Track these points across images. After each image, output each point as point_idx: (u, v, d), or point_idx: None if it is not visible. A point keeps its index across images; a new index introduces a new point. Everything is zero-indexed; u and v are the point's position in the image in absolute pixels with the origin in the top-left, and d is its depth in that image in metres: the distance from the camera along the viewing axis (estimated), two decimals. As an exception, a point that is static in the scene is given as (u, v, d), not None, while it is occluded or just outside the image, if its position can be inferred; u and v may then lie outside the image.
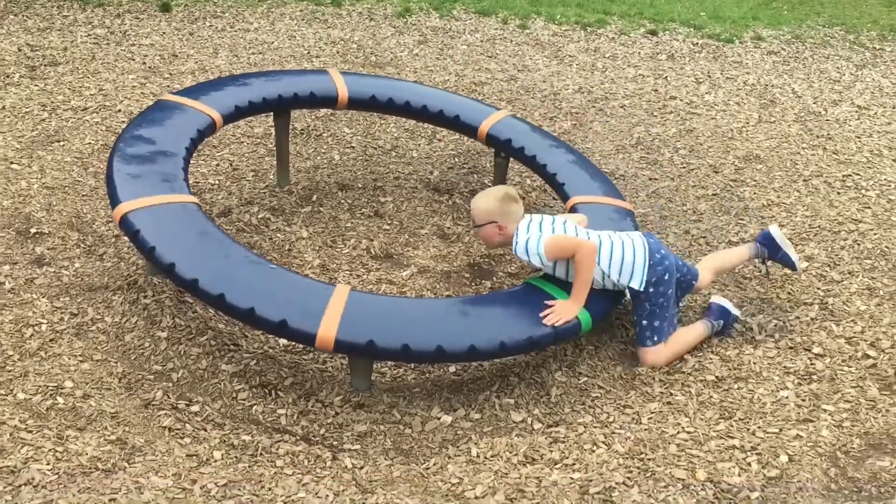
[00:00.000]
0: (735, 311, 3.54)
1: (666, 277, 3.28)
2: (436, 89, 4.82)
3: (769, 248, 3.74)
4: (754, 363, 3.30)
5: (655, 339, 3.29)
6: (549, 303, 3.16)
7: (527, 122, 4.66)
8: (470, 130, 4.47)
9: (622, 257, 3.25)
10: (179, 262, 2.97)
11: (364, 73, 5.51)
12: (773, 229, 3.73)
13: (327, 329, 2.83)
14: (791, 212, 4.53)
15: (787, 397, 3.07)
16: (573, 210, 3.87)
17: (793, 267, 3.75)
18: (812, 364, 3.27)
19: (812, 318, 3.57)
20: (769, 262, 3.82)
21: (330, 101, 4.31)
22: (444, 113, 4.44)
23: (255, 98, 4.06)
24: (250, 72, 5.29)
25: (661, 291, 3.28)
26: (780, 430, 2.89)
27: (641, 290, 3.26)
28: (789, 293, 3.78)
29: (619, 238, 3.33)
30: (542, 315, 3.11)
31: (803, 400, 3.06)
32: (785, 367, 3.27)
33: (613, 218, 3.83)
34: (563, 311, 3.13)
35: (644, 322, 3.30)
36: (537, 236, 3.20)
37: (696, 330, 3.41)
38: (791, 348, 3.39)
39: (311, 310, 2.89)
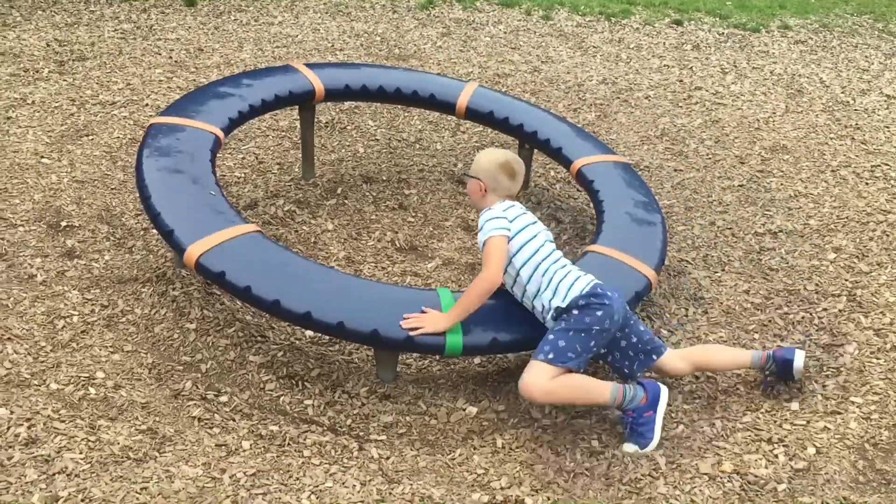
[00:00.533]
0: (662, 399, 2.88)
1: (599, 314, 2.82)
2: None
3: (780, 372, 3.07)
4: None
5: (551, 356, 2.76)
6: (424, 309, 2.93)
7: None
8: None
9: (561, 279, 2.94)
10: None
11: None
12: (799, 359, 3.04)
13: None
14: (819, 202, 4.49)
15: (814, 389, 3.06)
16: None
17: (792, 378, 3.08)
18: (840, 356, 3.24)
19: (840, 310, 3.54)
20: (770, 378, 3.12)
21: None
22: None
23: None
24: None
25: (587, 321, 2.81)
26: (808, 422, 2.88)
27: (564, 305, 2.87)
28: (817, 285, 3.75)
29: (567, 268, 3.01)
30: (404, 317, 2.90)
31: (831, 392, 3.04)
32: (815, 358, 3.24)
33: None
34: (429, 322, 2.88)
35: (551, 336, 2.82)
36: (494, 228, 2.93)
37: (599, 389, 2.81)
38: (818, 340, 3.37)
39: None
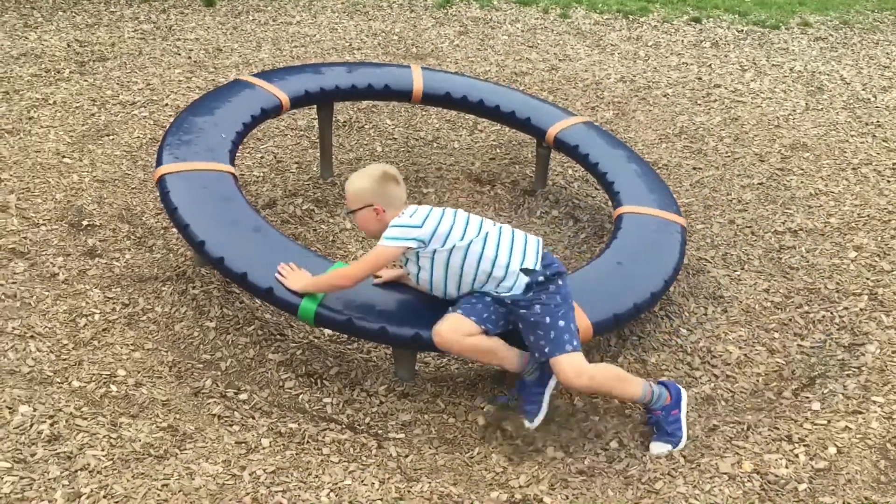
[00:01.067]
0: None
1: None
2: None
3: (667, 407, 2.85)
4: (803, 354, 3.26)
5: (575, 342, 2.76)
6: (293, 265, 2.97)
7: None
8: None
9: (510, 248, 2.82)
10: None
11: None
12: (684, 393, 2.92)
13: None
14: (839, 200, 4.45)
15: (835, 389, 3.04)
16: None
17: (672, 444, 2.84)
18: (862, 355, 3.22)
19: (861, 309, 3.51)
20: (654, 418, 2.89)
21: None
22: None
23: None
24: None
25: (566, 291, 2.82)
26: (829, 421, 2.86)
27: (540, 275, 2.79)
28: (838, 283, 3.72)
29: (508, 238, 2.86)
30: (280, 266, 2.95)
31: (852, 391, 3.02)
32: (836, 358, 3.22)
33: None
34: (292, 278, 2.92)
35: (556, 321, 2.75)
36: (396, 237, 2.78)
37: (634, 382, 2.82)
38: (839, 339, 3.34)
39: None
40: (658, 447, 2.79)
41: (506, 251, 2.80)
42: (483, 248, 2.79)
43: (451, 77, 4.63)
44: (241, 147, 4.54)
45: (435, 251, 2.79)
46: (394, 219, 2.82)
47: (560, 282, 2.81)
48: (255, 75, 4.20)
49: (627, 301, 3.13)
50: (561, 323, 2.74)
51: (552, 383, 2.90)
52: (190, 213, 3.21)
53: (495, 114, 4.43)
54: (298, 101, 4.13)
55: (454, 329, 2.75)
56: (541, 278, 2.77)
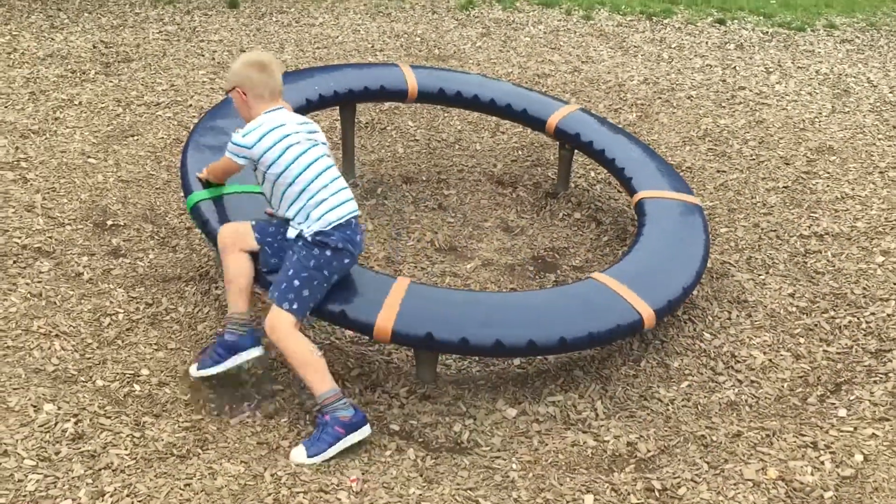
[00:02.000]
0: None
1: (346, 261, 2.89)
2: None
3: (338, 420, 2.73)
4: (829, 360, 3.22)
5: (295, 307, 2.77)
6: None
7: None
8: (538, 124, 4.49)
9: (311, 199, 2.86)
10: None
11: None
12: (362, 433, 2.76)
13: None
14: (866, 204, 4.40)
15: (861, 396, 2.99)
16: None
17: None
18: (889, 361, 3.17)
19: (889, 315, 3.46)
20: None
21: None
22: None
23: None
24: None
25: (333, 265, 2.85)
26: (855, 428, 2.82)
27: (310, 235, 2.84)
28: (865, 288, 3.67)
29: (324, 189, 2.87)
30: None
31: (879, 398, 2.97)
32: (862, 364, 3.18)
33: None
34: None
35: (291, 275, 2.80)
36: (230, 152, 2.88)
37: (324, 377, 2.76)
38: (866, 345, 3.30)
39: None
40: (297, 452, 2.66)
41: (311, 198, 2.86)
42: (291, 185, 2.86)
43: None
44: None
45: (265, 173, 2.89)
46: (242, 129, 2.90)
47: (326, 253, 2.82)
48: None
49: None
50: (296, 282, 2.79)
51: (243, 357, 2.89)
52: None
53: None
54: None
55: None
56: (308, 237, 2.84)
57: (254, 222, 2.98)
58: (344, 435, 2.70)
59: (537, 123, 4.43)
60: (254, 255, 2.95)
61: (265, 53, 3.02)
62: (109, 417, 2.71)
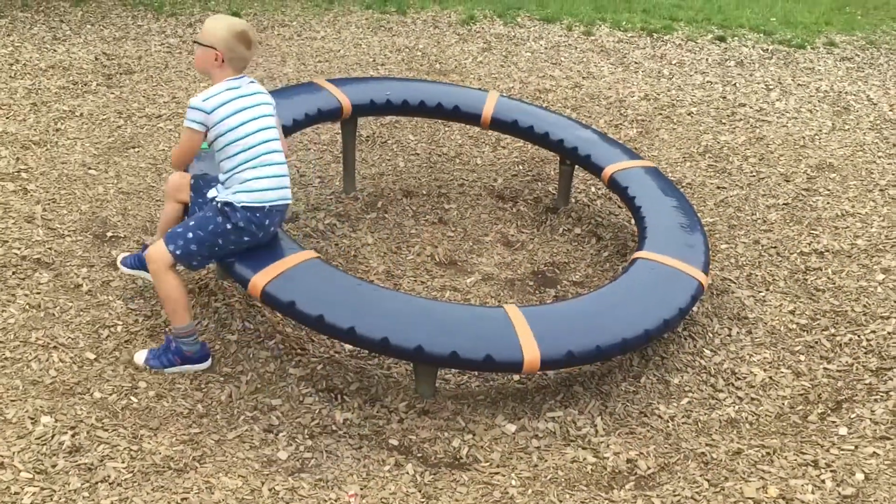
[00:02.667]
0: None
1: (245, 238, 3.01)
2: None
3: (181, 352, 3.07)
4: (829, 377, 3.21)
5: (178, 253, 2.96)
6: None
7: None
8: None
9: (242, 173, 2.97)
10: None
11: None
12: (201, 367, 3.12)
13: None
14: (867, 222, 4.40)
15: (862, 414, 2.98)
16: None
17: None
18: (890, 379, 3.16)
19: (889, 333, 3.46)
20: None
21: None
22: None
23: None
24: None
25: (231, 238, 3.00)
26: (856, 447, 2.81)
27: (222, 201, 2.99)
28: (865, 306, 3.67)
29: (261, 168, 2.99)
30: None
31: (880, 417, 2.96)
32: (863, 382, 3.17)
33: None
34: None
35: (191, 225, 2.99)
36: (190, 119, 2.93)
37: (185, 314, 3.02)
38: (867, 363, 3.29)
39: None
40: (140, 355, 3.09)
41: (239, 173, 2.97)
42: (231, 157, 2.97)
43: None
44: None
45: (216, 138, 2.97)
46: (203, 93, 2.96)
47: (227, 225, 2.96)
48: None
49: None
50: (189, 234, 2.97)
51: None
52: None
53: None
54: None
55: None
56: (218, 204, 2.99)
57: (193, 179, 3.26)
58: (180, 364, 3.05)
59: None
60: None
61: (249, 27, 3.03)
62: (107, 430, 2.70)
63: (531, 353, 2.86)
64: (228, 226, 2.96)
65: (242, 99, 2.99)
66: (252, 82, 3.08)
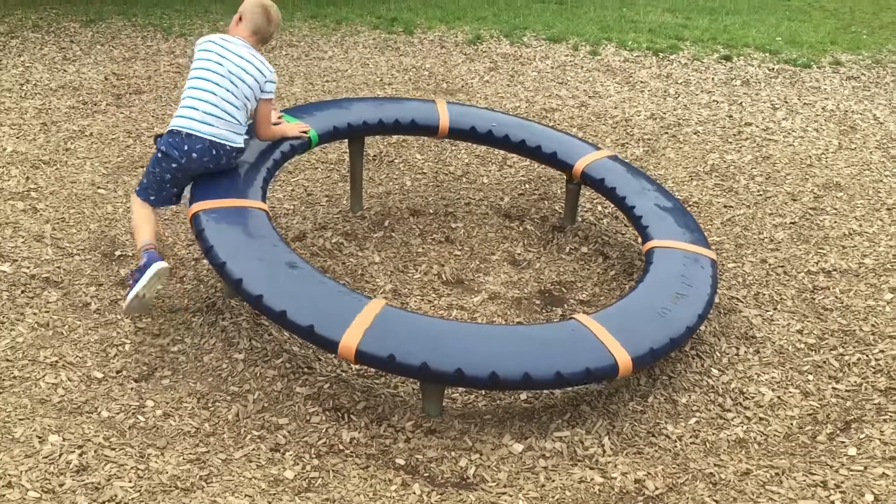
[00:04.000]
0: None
1: (163, 164, 3.42)
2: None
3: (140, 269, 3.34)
4: (838, 397, 3.20)
5: (137, 189, 3.51)
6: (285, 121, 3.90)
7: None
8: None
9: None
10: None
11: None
12: (153, 269, 3.29)
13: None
14: (874, 241, 4.39)
15: (871, 434, 2.97)
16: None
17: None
18: (898, 400, 3.15)
19: (898, 352, 3.45)
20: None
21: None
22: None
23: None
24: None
25: (157, 167, 3.44)
26: (866, 467, 2.79)
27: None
28: (873, 326, 3.66)
29: (191, 99, 3.44)
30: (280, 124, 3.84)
31: (889, 437, 2.94)
32: (872, 402, 3.15)
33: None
34: (292, 129, 3.87)
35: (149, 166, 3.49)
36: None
37: (142, 236, 3.39)
38: (876, 383, 3.27)
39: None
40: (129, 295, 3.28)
41: (181, 102, 3.49)
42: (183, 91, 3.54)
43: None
44: (272, 180, 4.57)
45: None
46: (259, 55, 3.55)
47: (157, 154, 3.43)
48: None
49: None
50: (145, 170, 3.50)
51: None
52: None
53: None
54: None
55: None
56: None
57: None
58: (137, 278, 3.26)
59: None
60: None
61: (275, 7, 3.59)
62: (114, 449, 2.70)
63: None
64: (159, 154, 3.42)
65: (224, 51, 3.47)
66: (254, 55, 3.52)
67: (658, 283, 3.47)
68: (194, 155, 3.38)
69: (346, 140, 4.44)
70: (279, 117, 3.92)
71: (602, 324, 3.13)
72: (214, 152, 3.42)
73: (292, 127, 3.90)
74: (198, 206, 3.37)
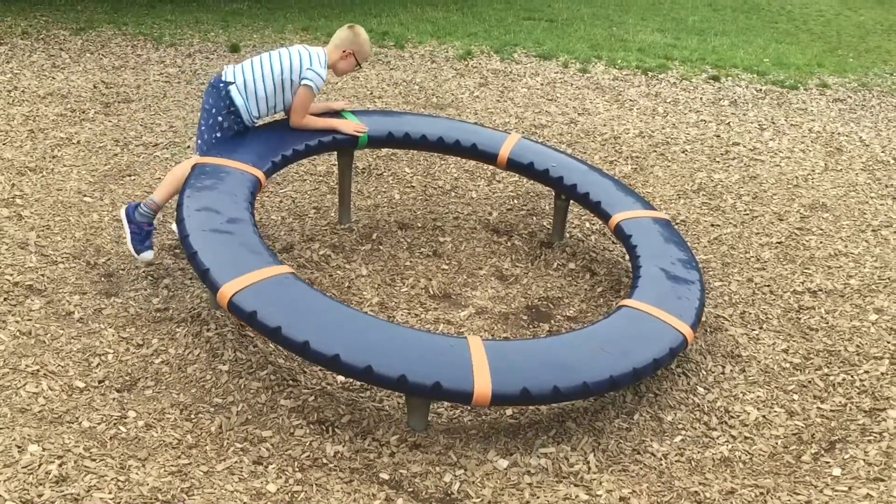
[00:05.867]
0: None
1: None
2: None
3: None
4: (822, 417, 3.20)
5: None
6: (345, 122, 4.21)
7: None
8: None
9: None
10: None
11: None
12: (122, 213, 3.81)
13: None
14: (859, 262, 4.42)
15: (856, 455, 2.97)
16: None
17: None
18: (883, 420, 3.15)
19: (882, 373, 3.46)
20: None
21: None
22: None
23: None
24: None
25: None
26: (850, 488, 2.79)
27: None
28: (858, 346, 3.67)
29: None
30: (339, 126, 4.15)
31: (874, 458, 2.95)
32: (856, 423, 3.16)
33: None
34: (346, 125, 4.18)
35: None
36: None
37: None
38: (860, 403, 3.28)
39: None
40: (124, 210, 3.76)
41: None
42: None
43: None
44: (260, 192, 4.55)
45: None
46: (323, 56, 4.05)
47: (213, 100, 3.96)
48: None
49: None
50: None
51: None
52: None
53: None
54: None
55: None
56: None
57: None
58: (132, 228, 3.72)
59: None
60: None
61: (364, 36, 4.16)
62: (94, 460, 2.66)
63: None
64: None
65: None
66: (308, 48, 4.00)
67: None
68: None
69: (336, 152, 4.43)
70: (339, 112, 4.35)
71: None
72: (215, 91, 3.93)
73: (347, 124, 4.19)
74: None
